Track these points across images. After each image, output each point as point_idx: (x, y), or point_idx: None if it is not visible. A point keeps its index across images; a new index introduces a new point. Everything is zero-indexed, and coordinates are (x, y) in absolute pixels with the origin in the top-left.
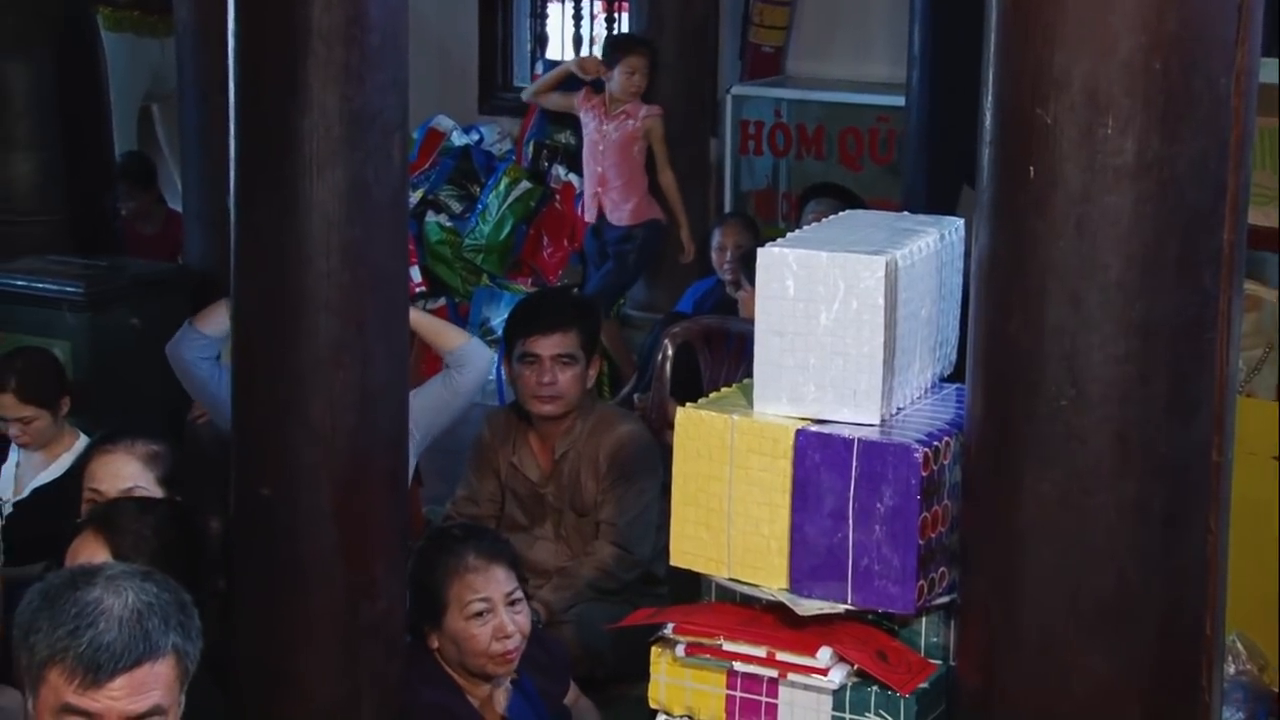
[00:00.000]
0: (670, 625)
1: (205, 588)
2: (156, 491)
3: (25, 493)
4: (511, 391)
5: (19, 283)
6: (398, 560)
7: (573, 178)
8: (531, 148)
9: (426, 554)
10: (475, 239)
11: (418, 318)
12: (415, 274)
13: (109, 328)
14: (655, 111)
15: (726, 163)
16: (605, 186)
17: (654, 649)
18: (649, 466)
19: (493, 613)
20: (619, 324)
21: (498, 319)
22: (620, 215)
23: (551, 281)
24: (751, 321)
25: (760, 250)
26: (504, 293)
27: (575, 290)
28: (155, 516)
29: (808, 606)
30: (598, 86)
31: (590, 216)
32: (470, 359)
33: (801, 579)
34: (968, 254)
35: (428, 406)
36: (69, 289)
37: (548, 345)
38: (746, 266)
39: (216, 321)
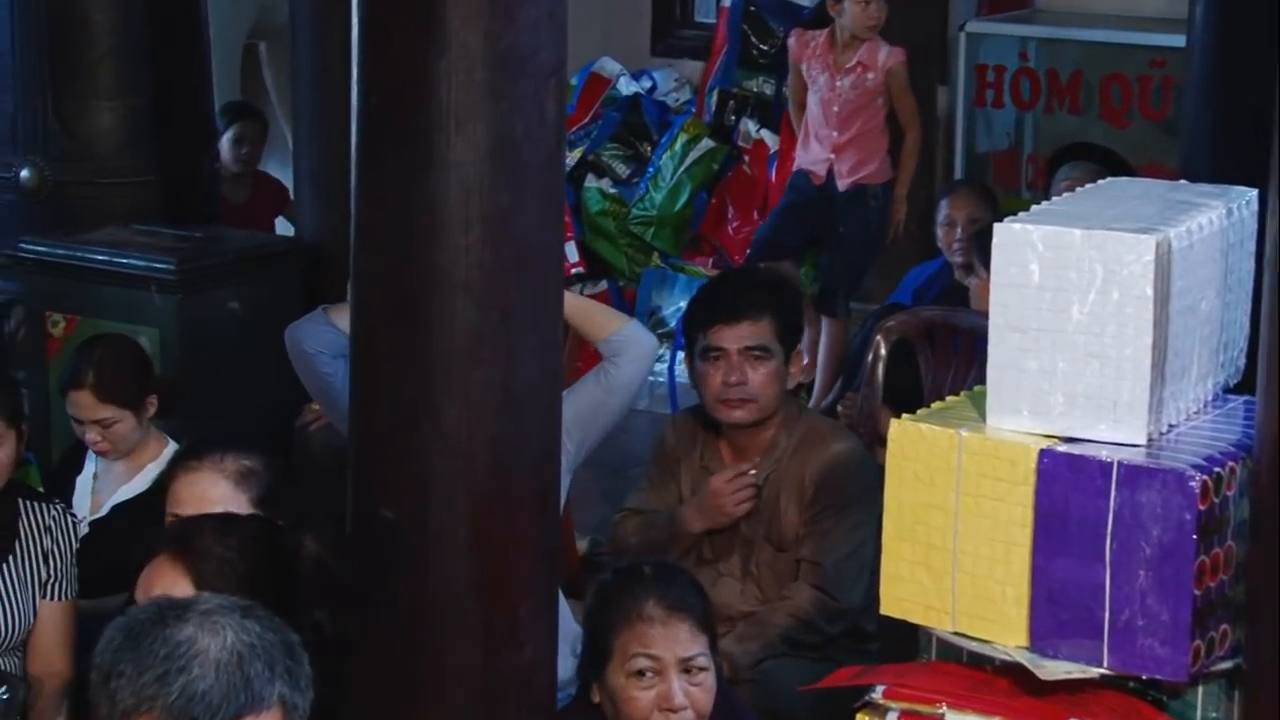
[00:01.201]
0: (880, 688)
1: (301, 621)
2: None
3: (104, 510)
4: (686, 398)
5: (99, 257)
6: (546, 599)
7: (765, 134)
8: (716, 97)
9: (606, 590)
10: (645, 209)
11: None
12: (571, 251)
13: (204, 313)
14: (897, 56)
15: (958, 117)
16: (840, 153)
17: (859, 717)
18: (867, 496)
19: (660, 676)
20: (845, 324)
21: (670, 307)
22: (851, 181)
23: (737, 262)
24: (985, 314)
25: (997, 226)
26: (678, 275)
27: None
28: (240, 536)
29: (1052, 669)
30: (817, 22)
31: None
32: (629, 347)
33: (1045, 635)
34: (1262, 234)
35: (582, 410)
36: (158, 265)
37: (734, 336)
38: (981, 246)
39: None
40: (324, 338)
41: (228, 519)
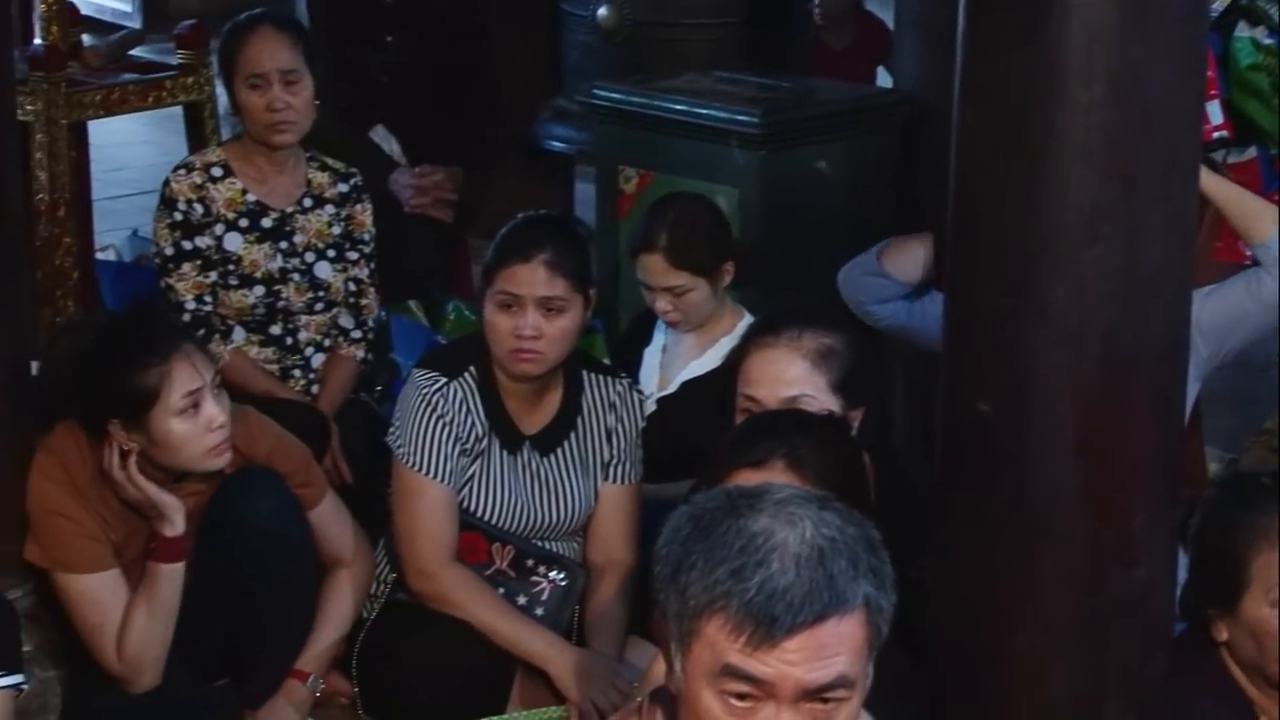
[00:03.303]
0: None
1: None
2: (828, 400)
3: (672, 387)
4: None
5: (677, 107)
6: (1164, 515)
7: None
8: None
9: (1220, 507)
10: None
11: (1215, 186)
12: (1214, 112)
13: (789, 172)
14: None
15: None
16: None
17: None
18: None
19: None
20: None
21: None
22: None
23: None
24: None
25: None
26: None
27: None
28: (839, 440)
29: None
30: None
31: None
32: None
33: None
34: None
35: (1222, 316)
36: (740, 118)
37: None
38: None
39: (908, 263)
40: (868, 288)
41: (825, 422)
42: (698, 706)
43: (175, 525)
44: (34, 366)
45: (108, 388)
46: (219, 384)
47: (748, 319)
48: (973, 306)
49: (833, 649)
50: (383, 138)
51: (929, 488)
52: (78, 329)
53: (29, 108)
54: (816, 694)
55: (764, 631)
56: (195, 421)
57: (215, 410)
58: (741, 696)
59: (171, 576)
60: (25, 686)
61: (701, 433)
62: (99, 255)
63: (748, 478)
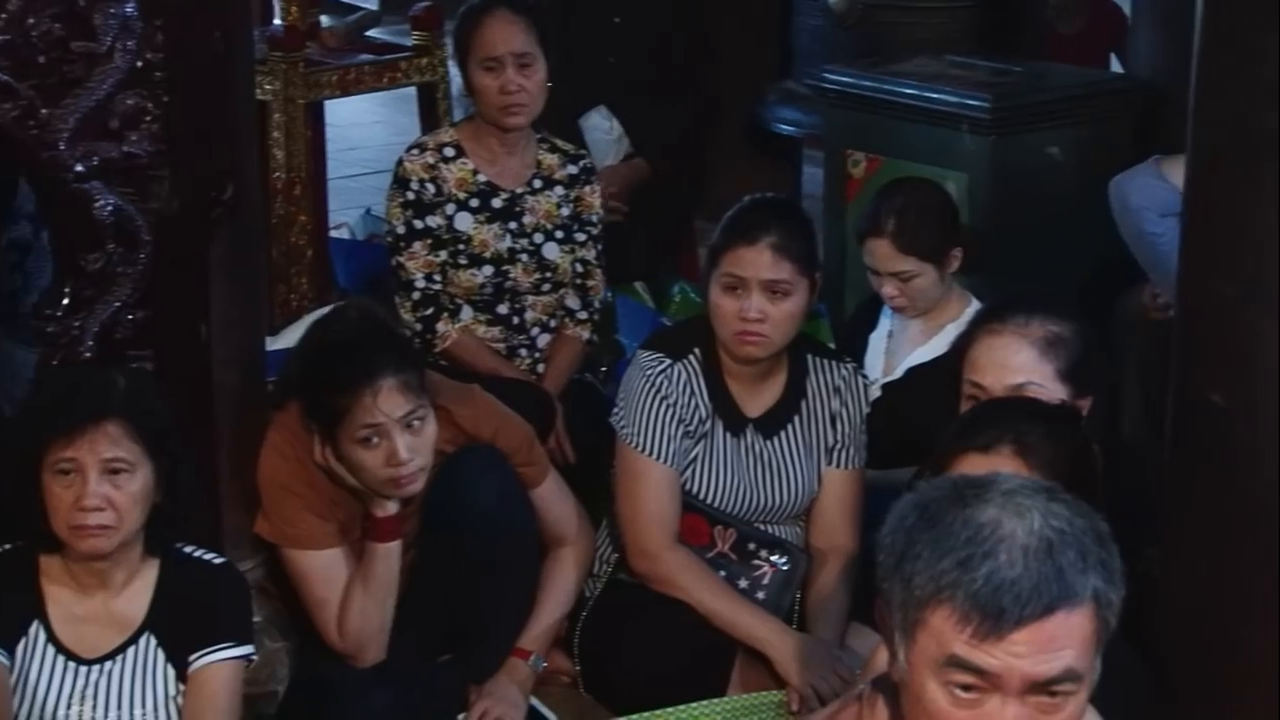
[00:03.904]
0: None
1: None
2: (1056, 388)
3: (897, 372)
4: None
5: (907, 91)
6: None
7: None
8: None
9: None
10: None
11: None
12: None
13: (1020, 157)
14: None
15: None
16: None
17: None
18: None
19: None
20: None
21: None
22: None
23: None
24: None
25: None
26: None
27: None
28: (1068, 429)
29: None
30: None
31: None
32: None
33: None
34: None
35: None
36: (970, 103)
37: None
38: None
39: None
40: (1153, 193)
41: (1055, 411)
42: (923, 696)
43: (387, 506)
44: (268, 342)
45: (311, 394)
46: (420, 417)
47: (975, 305)
48: (1205, 296)
49: (1060, 642)
50: (604, 117)
51: (1158, 477)
52: (329, 323)
53: (267, 87)
54: (1044, 687)
55: (991, 623)
56: (374, 453)
57: (400, 447)
58: (967, 688)
59: (386, 555)
60: (255, 657)
61: (927, 419)
62: (333, 233)
63: (974, 463)
